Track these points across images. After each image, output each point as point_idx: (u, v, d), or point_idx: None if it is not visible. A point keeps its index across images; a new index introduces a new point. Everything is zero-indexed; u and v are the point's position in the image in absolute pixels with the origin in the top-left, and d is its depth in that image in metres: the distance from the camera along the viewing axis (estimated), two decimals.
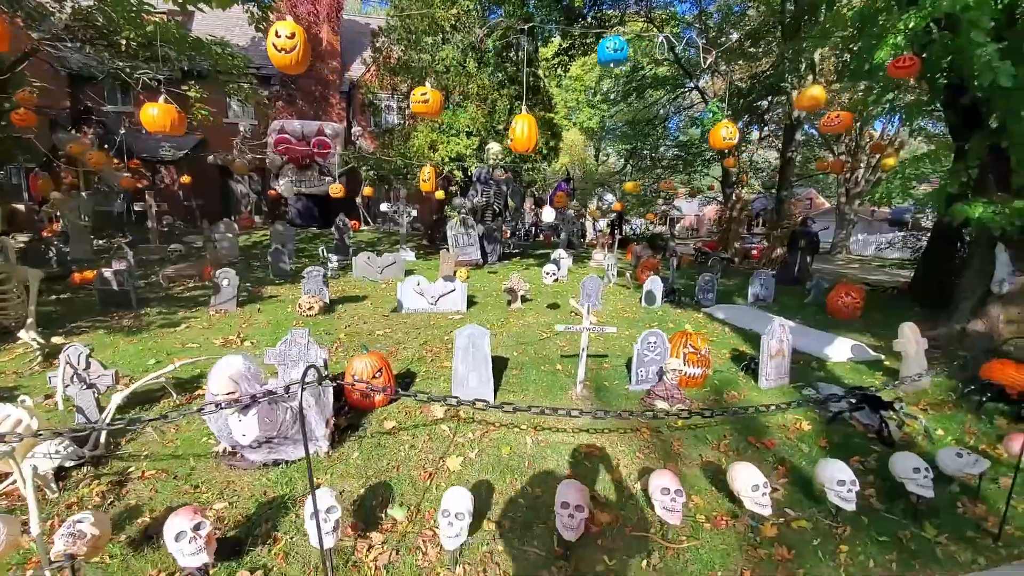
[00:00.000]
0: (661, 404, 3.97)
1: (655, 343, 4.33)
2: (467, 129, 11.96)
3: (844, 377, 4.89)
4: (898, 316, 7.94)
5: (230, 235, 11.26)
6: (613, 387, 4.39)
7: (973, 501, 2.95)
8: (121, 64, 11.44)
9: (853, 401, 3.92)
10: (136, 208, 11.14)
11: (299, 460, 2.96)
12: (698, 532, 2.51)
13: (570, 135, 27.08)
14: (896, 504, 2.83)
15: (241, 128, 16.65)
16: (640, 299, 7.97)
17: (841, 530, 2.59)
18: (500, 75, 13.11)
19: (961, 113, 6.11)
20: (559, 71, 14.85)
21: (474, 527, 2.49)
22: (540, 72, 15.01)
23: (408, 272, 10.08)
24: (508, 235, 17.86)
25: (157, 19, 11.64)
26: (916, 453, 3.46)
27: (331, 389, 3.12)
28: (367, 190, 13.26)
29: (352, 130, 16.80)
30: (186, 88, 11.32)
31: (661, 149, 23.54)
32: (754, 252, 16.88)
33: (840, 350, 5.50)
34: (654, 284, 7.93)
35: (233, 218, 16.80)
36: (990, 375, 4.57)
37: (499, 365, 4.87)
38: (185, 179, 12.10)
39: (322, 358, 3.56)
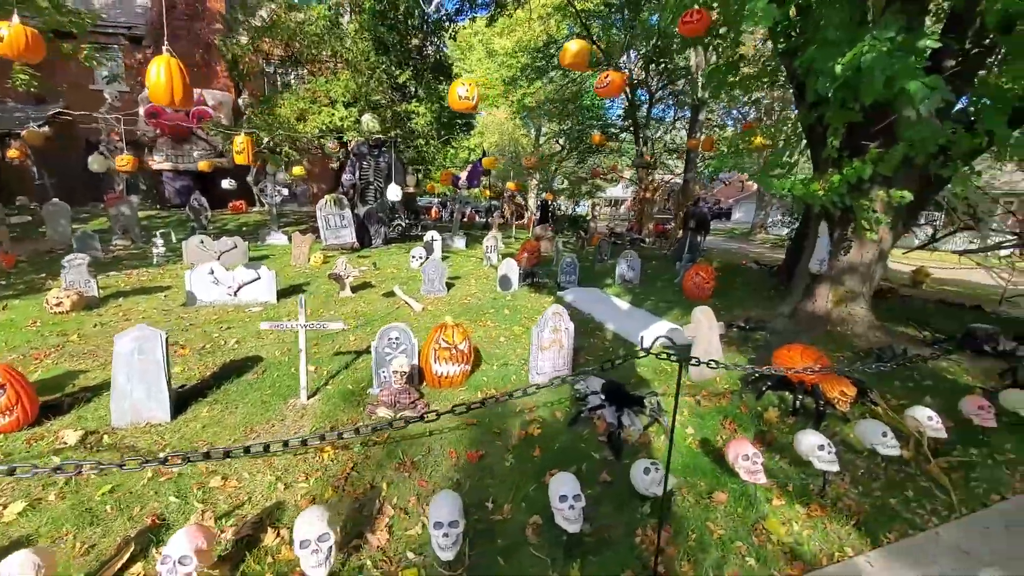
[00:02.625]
0: (383, 412, 3.38)
1: (398, 339, 3.72)
2: (343, 99, 10.90)
3: (640, 365, 4.47)
4: (755, 295, 7.80)
5: (62, 218, 9.78)
6: (360, 392, 3.77)
7: (663, 528, 2.50)
8: None
9: (603, 398, 3.48)
10: None
11: None
12: None
13: (501, 114, 26.02)
14: (553, 536, 2.34)
15: (107, 96, 14.76)
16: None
17: None
18: (388, 37, 11.99)
19: (796, 81, 5.75)
20: (451, 38, 13.85)
21: None
22: (438, 41, 14.01)
23: (260, 258, 9.11)
24: (436, 215, 16.87)
25: None
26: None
27: None
28: (202, 165, 12.00)
29: (240, 99, 15.25)
30: None
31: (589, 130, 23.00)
32: (667, 233, 16.79)
33: (655, 334, 5.10)
34: (508, 268, 7.38)
35: (105, 198, 15.08)
36: (778, 361, 4.27)
37: (248, 365, 4.17)
38: (12, 153, 10.42)
39: None
